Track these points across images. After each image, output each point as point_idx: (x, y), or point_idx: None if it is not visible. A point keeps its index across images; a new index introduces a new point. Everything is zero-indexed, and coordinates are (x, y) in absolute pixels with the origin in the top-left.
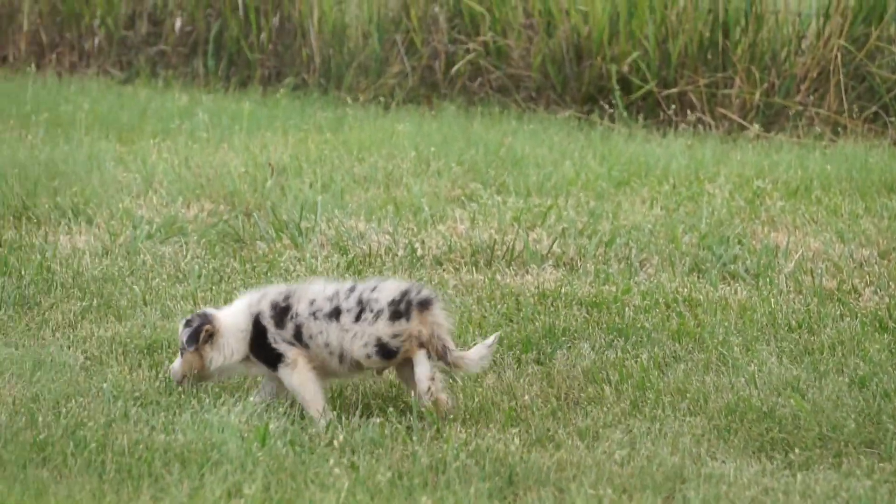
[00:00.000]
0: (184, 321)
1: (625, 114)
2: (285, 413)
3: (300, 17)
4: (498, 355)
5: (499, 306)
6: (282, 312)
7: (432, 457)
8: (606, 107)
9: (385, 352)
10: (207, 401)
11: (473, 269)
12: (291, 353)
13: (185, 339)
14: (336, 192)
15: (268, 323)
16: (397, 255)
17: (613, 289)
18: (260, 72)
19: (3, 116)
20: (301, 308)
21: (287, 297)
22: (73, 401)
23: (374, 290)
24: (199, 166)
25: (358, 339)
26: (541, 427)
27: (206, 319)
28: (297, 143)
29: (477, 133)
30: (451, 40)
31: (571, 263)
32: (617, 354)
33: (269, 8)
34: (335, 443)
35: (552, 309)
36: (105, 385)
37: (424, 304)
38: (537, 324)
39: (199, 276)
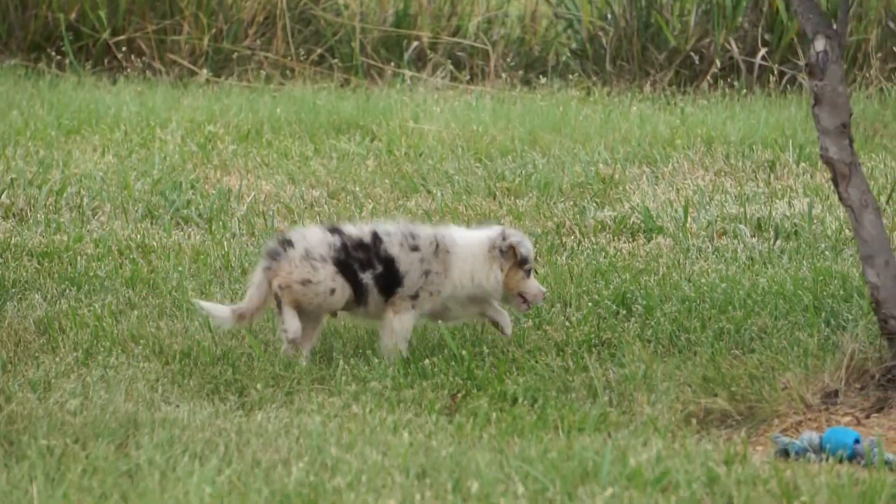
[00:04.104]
0: None
1: (73, 61)
2: None
3: None
4: None
5: None
6: None
7: None
8: (54, 54)
9: None
10: None
11: None
12: None
13: None
14: None
15: None
16: None
17: (65, 238)
18: None
19: None
20: None
21: None
22: None
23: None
24: None
25: None
26: None
27: None
28: None
29: None
30: None
31: (21, 214)
32: (70, 304)
33: None
34: None
35: (1, 261)
36: None
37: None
38: None
39: None
